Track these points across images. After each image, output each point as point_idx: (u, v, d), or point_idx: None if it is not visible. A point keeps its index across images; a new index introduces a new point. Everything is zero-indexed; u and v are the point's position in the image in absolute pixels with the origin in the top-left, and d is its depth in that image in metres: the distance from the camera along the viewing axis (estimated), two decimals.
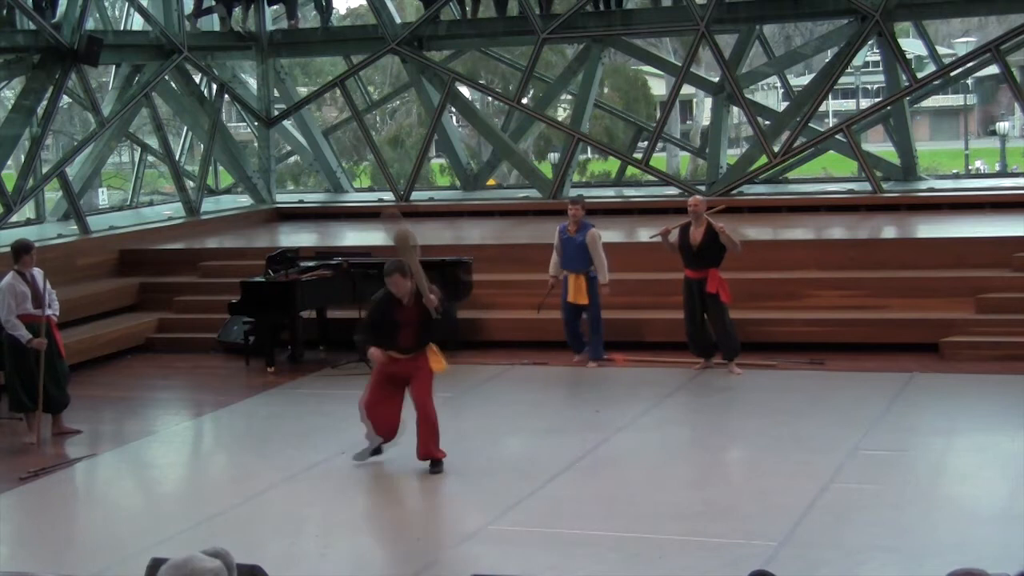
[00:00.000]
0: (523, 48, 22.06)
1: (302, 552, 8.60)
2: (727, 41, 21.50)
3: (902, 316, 13.79)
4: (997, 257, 14.29)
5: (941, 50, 28.48)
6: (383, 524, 9.62)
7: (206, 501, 9.76)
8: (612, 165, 34.53)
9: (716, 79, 20.55)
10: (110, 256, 17.31)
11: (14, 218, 17.86)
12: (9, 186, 17.46)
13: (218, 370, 14.51)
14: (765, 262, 14.72)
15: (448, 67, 21.08)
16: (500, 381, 13.28)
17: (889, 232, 16.36)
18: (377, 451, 10.27)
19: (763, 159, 18.81)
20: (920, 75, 19.47)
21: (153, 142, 21.65)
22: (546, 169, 26.22)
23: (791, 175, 20.56)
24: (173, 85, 20.51)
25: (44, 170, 18.95)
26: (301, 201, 21.66)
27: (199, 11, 20.75)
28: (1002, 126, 46.44)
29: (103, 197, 25.28)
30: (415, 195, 20.54)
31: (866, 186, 18.28)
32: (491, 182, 24.34)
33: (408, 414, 10.20)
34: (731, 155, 21.86)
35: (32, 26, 17.51)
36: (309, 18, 24.86)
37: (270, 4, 21.06)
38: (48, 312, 11.48)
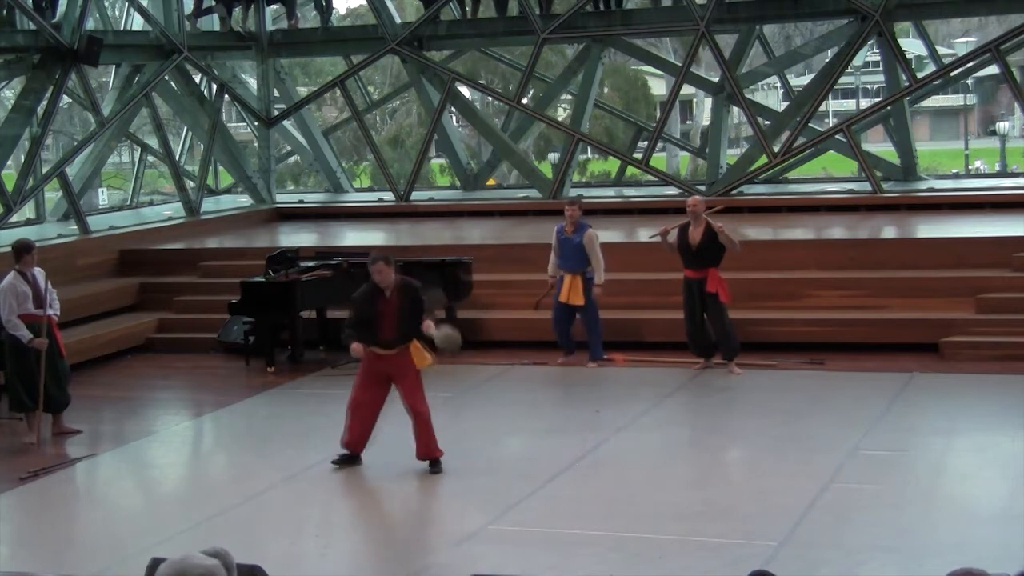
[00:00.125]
0: (523, 48, 22.06)
1: (302, 552, 8.60)
2: (727, 41, 21.50)
3: (902, 316, 13.79)
4: (997, 257, 14.29)
5: (941, 50, 28.49)
6: (383, 524, 9.63)
7: (206, 501, 9.76)
8: (612, 165, 34.53)
9: (716, 79, 20.55)
10: (110, 256, 17.31)
11: (14, 218, 17.86)
12: (9, 186, 17.46)
13: (218, 370, 14.51)
14: (765, 262, 14.72)
15: (448, 67, 21.08)
16: (500, 381, 13.28)
17: (889, 232, 16.36)
18: (354, 459, 10.26)
19: (763, 159, 18.81)
20: (920, 75, 19.47)
21: (153, 142, 21.65)
22: (546, 169, 26.22)
23: (791, 175, 20.56)
24: (173, 85, 20.51)
25: (44, 170, 18.95)
26: (301, 201, 21.66)
27: (199, 11, 20.75)
28: (1002, 126, 46.44)
29: (103, 197, 25.28)
30: (415, 195, 20.54)
31: (866, 186, 18.28)
32: (491, 182, 24.35)
33: (389, 421, 10.17)
34: (731, 155, 21.86)
35: (32, 26, 17.51)
36: (309, 18, 24.86)
37: (270, 4, 21.06)
38: (49, 312, 11.48)
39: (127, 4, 20.63)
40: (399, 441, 10.18)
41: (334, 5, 21.69)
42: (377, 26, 20.37)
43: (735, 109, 20.46)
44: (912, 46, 35.82)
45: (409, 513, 9.72)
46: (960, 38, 49.79)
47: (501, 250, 16.04)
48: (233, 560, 4.09)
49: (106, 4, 21.30)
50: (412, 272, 14.30)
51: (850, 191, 18.73)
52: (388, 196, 20.83)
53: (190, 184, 20.58)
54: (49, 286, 11.54)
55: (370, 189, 26.54)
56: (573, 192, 20.15)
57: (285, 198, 22.03)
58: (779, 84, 25.29)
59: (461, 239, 17.43)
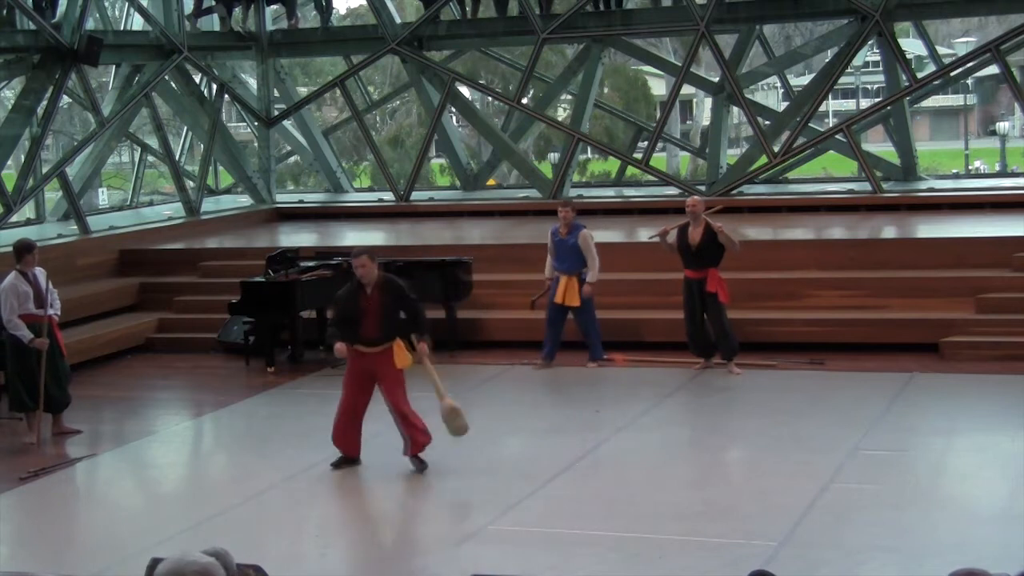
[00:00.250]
0: (523, 48, 22.06)
1: (302, 552, 8.60)
2: (727, 41, 21.50)
3: (902, 316, 13.79)
4: (997, 257, 14.29)
5: (941, 50, 28.48)
6: (383, 524, 9.63)
7: (206, 501, 9.76)
8: (612, 165, 34.53)
9: (716, 79, 20.55)
10: (110, 256, 17.31)
11: (14, 218, 17.86)
12: (9, 186, 17.47)
13: (218, 370, 14.51)
14: (765, 262, 14.72)
15: (448, 67, 21.08)
16: (500, 381, 13.28)
17: (889, 232, 16.36)
18: (353, 460, 10.25)
19: (763, 159, 18.81)
20: (920, 75, 19.47)
21: (153, 142, 21.66)
22: (546, 169, 26.22)
23: (791, 175, 20.56)
24: (173, 85, 20.51)
25: (44, 170, 18.95)
26: (301, 201, 21.66)
27: (199, 11, 20.76)
28: (1002, 126, 46.44)
29: (103, 197, 25.27)
30: (415, 195, 20.54)
31: (866, 186, 18.28)
32: (491, 182, 24.34)
33: (388, 422, 10.19)
34: (731, 155, 21.86)
35: (32, 26, 17.51)
36: (309, 18, 24.86)
37: (270, 4, 21.06)
38: (50, 312, 11.48)
39: (127, 4, 20.63)
40: (398, 441, 10.17)
41: (334, 5, 21.71)
42: (377, 26, 20.37)
43: (735, 109, 20.46)
44: (912, 46, 35.82)
45: (409, 513, 9.71)
46: (960, 38, 49.79)
47: (501, 250, 16.04)
48: (233, 560, 4.09)
49: (106, 4, 21.31)
50: (412, 272, 14.41)
51: (850, 191, 18.73)
52: (388, 196, 20.83)
53: (190, 184, 20.58)
54: (50, 286, 11.54)
55: (370, 189, 26.54)
56: (573, 192, 20.18)
57: (285, 198, 22.03)
58: (779, 84, 25.29)
59: (461, 239, 17.43)
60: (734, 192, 18.48)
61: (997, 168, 40.83)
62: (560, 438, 10.95)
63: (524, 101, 21.49)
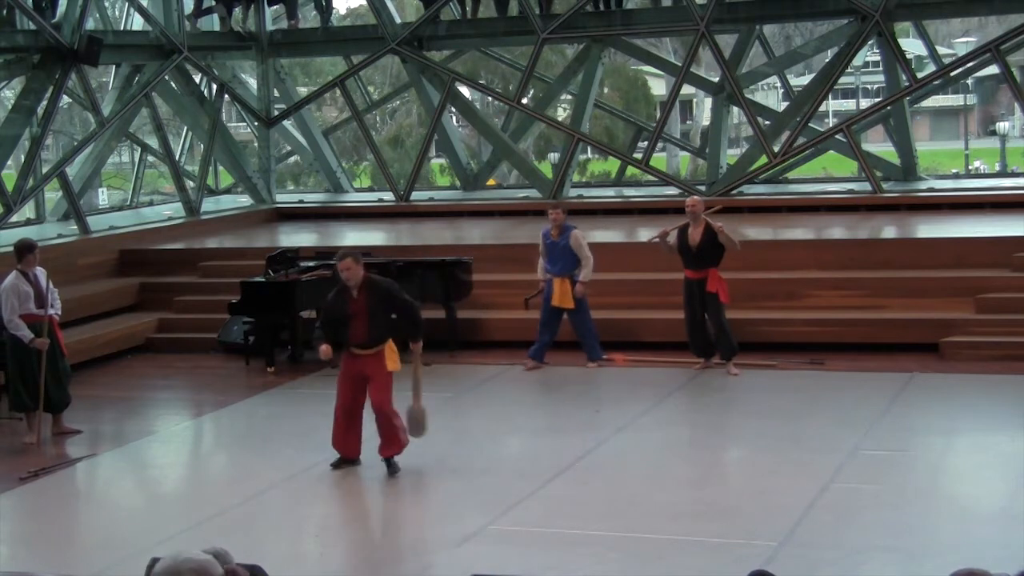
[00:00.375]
0: (523, 48, 22.06)
1: (302, 552, 8.60)
2: (727, 41, 21.50)
3: (902, 316, 13.79)
4: (997, 257, 14.29)
5: (941, 50, 28.48)
6: (383, 524, 9.64)
7: (206, 501, 9.76)
8: (612, 165, 34.53)
9: (716, 79, 20.55)
10: (110, 256, 17.31)
11: (14, 218, 17.86)
12: (9, 186, 17.46)
13: (218, 370, 14.51)
14: (765, 262, 14.72)
15: (448, 67, 21.08)
16: (500, 381, 13.28)
17: (889, 232, 16.36)
18: (352, 461, 10.25)
19: (763, 159, 18.81)
20: (920, 75, 19.47)
21: (153, 142, 21.66)
22: (546, 169, 26.22)
23: (791, 175, 20.56)
24: (173, 85, 20.51)
25: (44, 170, 18.95)
26: (301, 201, 21.66)
27: (199, 11, 20.76)
28: (1002, 126, 46.45)
29: (103, 197, 25.28)
30: (415, 195, 20.54)
31: (866, 186, 18.28)
32: (491, 182, 24.35)
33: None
34: (731, 155, 21.86)
35: (32, 26, 17.51)
36: (309, 18, 24.86)
37: (270, 4, 21.06)
38: (50, 312, 11.49)
39: (127, 4, 20.63)
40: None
41: (334, 5, 21.71)
42: (377, 26, 20.37)
43: (735, 109, 20.46)
44: (912, 46, 35.82)
45: (409, 513, 9.71)
46: (960, 38, 49.80)
47: (501, 250, 16.04)
48: (233, 560, 4.09)
49: (106, 4, 21.30)
50: (412, 272, 14.42)
51: (850, 191, 18.73)
52: (388, 196, 20.82)
53: (190, 184, 20.58)
54: (51, 286, 11.55)
55: (370, 189, 26.54)
56: (573, 192, 20.20)
57: (285, 198, 22.03)
58: (779, 84, 25.29)
59: (461, 239, 17.44)
60: (734, 192, 18.48)
61: (997, 168, 40.84)
62: (560, 438, 10.95)
63: (524, 101, 21.49)
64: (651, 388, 12.54)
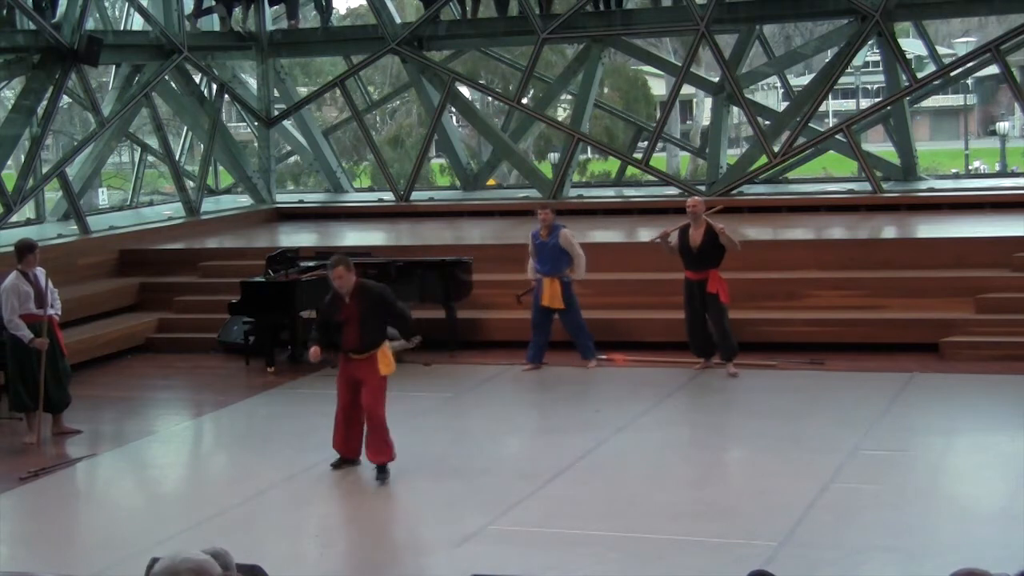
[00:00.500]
0: (523, 48, 22.06)
1: (302, 552, 8.60)
2: (727, 41, 21.50)
3: (902, 316, 13.79)
4: (997, 257, 14.29)
5: (941, 50, 28.49)
6: (383, 524, 9.62)
7: (206, 501, 9.76)
8: (612, 165, 34.53)
9: (716, 79, 20.55)
10: (110, 256, 17.31)
11: (14, 218, 17.86)
12: (9, 186, 17.46)
13: (218, 370, 14.51)
14: (765, 262, 14.72)
15: (448, 67, 21.08)
16: (500, 381, 13.27)
17: (889, 232, 16.36)
18: (352, 461, 10.24)
19: (763, 159, 18.80)
20: (920, 75, 19.47)
21: (153, 142, 21.66)
22: (546, 169, 26.21)
23: (791, 175, 20.56)
24: (173, 85, 20.51)
25: (44, 170, 18.95)
26: (301, 201, 21.66)
27: (199, 11, 20.76)
28: (1002, 126, 46.45)
29: (103, 197, 25.27)
30: (415, 195, 20.54)
31: (866, 186, 18.28)
32: (491, 182, 24.34)
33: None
34: (731, 155, 21.86)
35: (32, 26, 17.51)
36: (309, 18, 24.86)
37: (270, 4, 21.07)
38: (50, 312, 11.49)
39: (127, 4, 20.63)
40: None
41: (334, 5, 21.71)
42: (377, 26, 20.37)
43: (735, 109, 20.46)
44: (912, 46, 35.82)
45: (409, 513, 9.71)
46: (960, 38, 49.80)
47: (501, 250, 16.02)
48: (233, 560, 4.09)
49: (106, 4, 21.30)
50: (412, 272, 14.43)
51: (850, 191, 18.73)
52: (388, 196, 20.83)
53: (190, 184, 20.58)
54: (51, 286, 11.55)
55: (370, 189, 26.54)
56: (573, 192, 20.19)
57: (285, 198, 22.03)
58: (779, 84, 25.29)
59: (461, 239, 17.43)
60: (734, 192, 18.47)
61: (997, 168, 40.83)
62: (560, 438, 10.95)
63: (524, 101, 21.48)
64: (651, 388, 12.54)
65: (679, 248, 12.98)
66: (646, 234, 14.42)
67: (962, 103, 51.45)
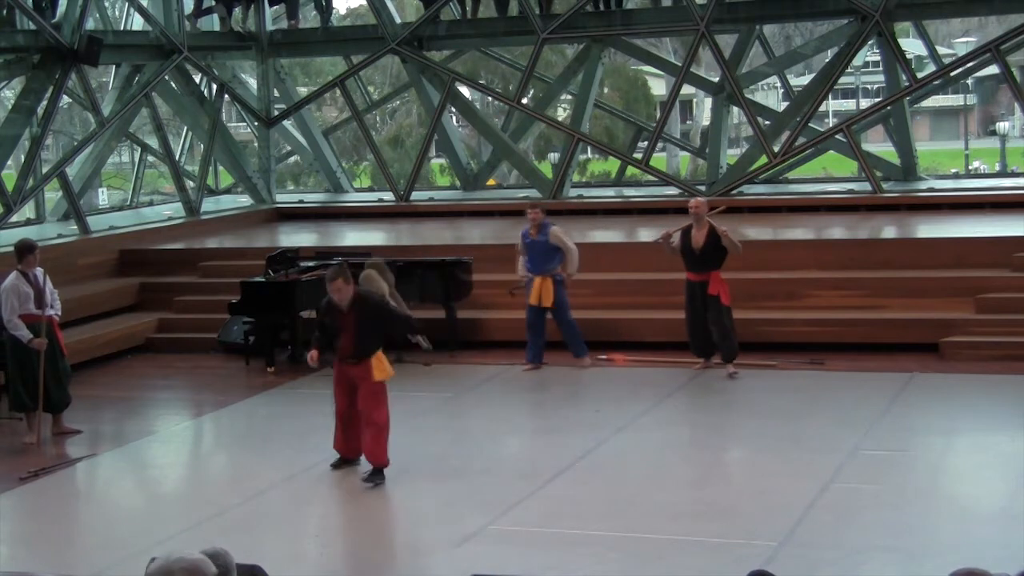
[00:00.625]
0: (523, 48, 22.06)
1: (302, 552, 8.60)
2: (727, 41, 21.50)
3: (902, 316, 13.78)
4: (997, 257, 14.29)
5: (941, 50, 28.48)
6: (383, 524, 9.63)
7: (206, 501, 9.76)
8: (612, 165, 34.52)
9: (716, 79, 20.55)
10: (110, 256, 17.31)
11: (14, 218, 17.86)
12: (9, 186, 17.46)
13: (218, 370, 14.51)
14: (765, 262, 14.71)
15: (448, 67, 21.08)
16: (500, 381, 13.27)
17: (889, 232, 16.36)
18: (352, 461, 10.24)
19: (763, 159, 18.80)
20: (920, 75, 19.47)
21: (153, 142, 21.66)
22: (546, 169, 26.21)
23: (791, 175, 20.56)
24: (173, 85, 20.51)
25: (44, 170, 18.95)
26: (301, 201, 21.66)
27: (199, 11, 20.76)
28: (1002, 126, 46.44)
29: (103, 197, 25.26)
30: (415, 195, 20.54)
31: (866, 186, 18.28)
32: (491, 182, 24.34)
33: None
34: (731, 155, 21.87)
35: (32, 26, 17.51)
36: (309, 18, 24.86)
37: (270, 4, 21.07)
38: (50, 312, 11.49)
39: (127, 4, 20.63)
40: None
41: (334, 5, 21.71)
42: (377, 26, 20.37)
43: (735, 109, 20.46)
44: (912, 46, 35.81)
45: (409, 513, 9.71)
46: (960, 38, 49.80)
47: (501, 250, 16.00)
48: (233, 560, 4.09)
49: (106, 4, 21.30)
50: (412, 272, 14.42)
51: (850, 191, 18.73)
52: (388, 196, 20.82)
53: (190, 184, 20.58)
54: (50, 286, 11.55)
55: (370, 189, 26.54)
56: (573, 192, 20.19)
57: (285, 198, 22.03)
58: (779, 84, 25.29)
59: (461, 239, 17.43)
60: (734, 192, 18.47)
61: (997, 168, 40.83)
62: (560, 438, 10.95)
63: (524, 101, 21.48)
64: (651, 388, 12.54)
65: (681, 249, 12.95)
66: (646, 234, 14.43)
67: (962, 103, 51.44)
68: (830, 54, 20.08)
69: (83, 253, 16.98)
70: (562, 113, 31.01)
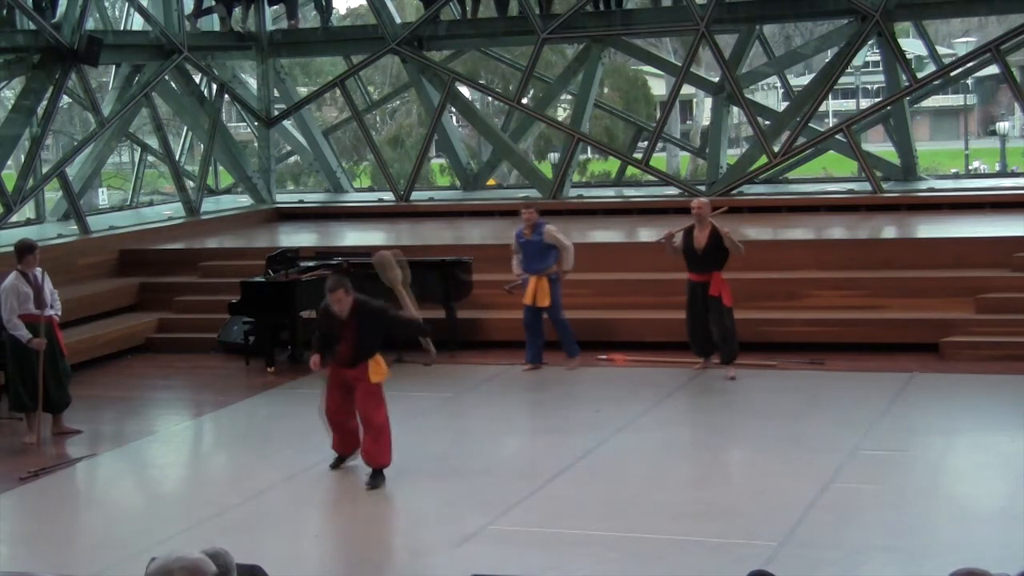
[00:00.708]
0: (523, 48, 22.06)
1: (302, 552, 8.60)
2: (727, 41, 21.50)
3: (902, 316, 13.79)
4: (997, 257, 14.29)
5: (941, 50, 28.48)
6: (383, 524, 9.63)
7: (206, 501, 9.76)
8: (612, 165, 34.52)
9: (716, 79, 20.55)
10: (110, 256, 17.31)
11: (14, 218, 17.86)
12: (9, 186, 17.46)
13: (218, 370, 14.51)
14: (765, 262, 14.71)
15: (448, 67, 21.08)
16: (500, 381, 13.27)
17: (889, 232, 16.36)
18: (349, 456, 10.22)
19: (763, 159, 18.81)
20: (920, 75, 19.47)
21: (153, 142, 21.65)
22: (546, 169, 26.20)
23: (791, 175, 20.56)
24: (173, 85, 20.51)
25: (44, 170, 18.95)
26: (301, 201, 21.66)
27: (199, 11, 20.76)
28: (1002, 126, 46.43)
29: (103, 197, 25.26)
30: (415, 195, 20.54)
31: (866, 186, 18.28)
32: (491, 182, 24.34)
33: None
34: (731, 155, 21.86)
35: (32, 26, 17.51)
36: (309, 18, 24.86)
37: (270, 4, 21.07)
38: (50, 312, 11.49)
39: (127, 4, 20.63)
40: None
41: (334, 5, 21.71)
42: (377, 26, 20.38)
43: (735, 109, 20.46)
44: (912, 46, 35.80)
45: (409, 513, 9.71)
46: (960, 38, 49.79)
47: (501, 250, 15.98)
48: (233, 560, 4.09)
49: (106, 4, 21.30)
50: (412, 272, 14.38)
51: (850, 191, 18.73)
52: (388, 196, 20.83)
53: (190, 184, 20.58)
54: (50, 286, 11.55)
55: (370, 189, 26.53)
56: (573, 192, 20.19)
57: (285, 198, 22.03)
58: (779, 84, 25.28)
59: (461, 239, 17.43)
60: (734, 192, 18.47)
61: (997, 168, 40.83)
62: (560, 438, 10.95)
63: (524, 101, 21.48)
64: (651, 388, 12.54)
65: (683, 249, 12.93)
66: (646, 234, 14.43)
67: (962, 103, 51.43)
68: (830, 54, 20.08)
69: (83, 253, 16.98)
70: (562, 113, 31.00)
